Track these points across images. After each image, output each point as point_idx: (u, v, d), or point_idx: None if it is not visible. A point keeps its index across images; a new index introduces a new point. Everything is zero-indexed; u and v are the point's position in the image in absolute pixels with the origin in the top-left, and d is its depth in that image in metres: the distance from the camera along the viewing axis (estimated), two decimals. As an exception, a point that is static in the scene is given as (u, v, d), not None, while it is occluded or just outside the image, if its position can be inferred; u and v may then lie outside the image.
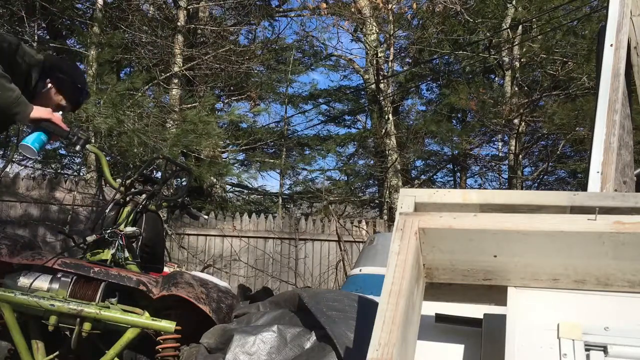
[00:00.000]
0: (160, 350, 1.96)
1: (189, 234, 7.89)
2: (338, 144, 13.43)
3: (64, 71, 2.55)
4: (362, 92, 13.78)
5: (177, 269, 2.97)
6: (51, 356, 2.01)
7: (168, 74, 8.70)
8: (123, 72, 9.92)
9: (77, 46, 8.83)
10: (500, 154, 13.21)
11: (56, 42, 8.40)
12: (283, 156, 12.12)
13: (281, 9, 12.54)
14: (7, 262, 1.97)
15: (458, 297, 1.32)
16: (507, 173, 11.64)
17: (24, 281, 1.96)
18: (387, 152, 11.16)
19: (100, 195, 7.21)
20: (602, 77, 2.21)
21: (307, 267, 8.09)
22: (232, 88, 10.91)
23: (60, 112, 2.43)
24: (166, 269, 2.70)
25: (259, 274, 7.95)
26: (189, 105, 8.52)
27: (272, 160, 12.09)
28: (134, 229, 2.22)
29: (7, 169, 7.53)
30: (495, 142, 13.34)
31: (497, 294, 1.26)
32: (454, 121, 13.46)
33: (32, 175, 8.48)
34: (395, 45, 12.18)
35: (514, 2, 10.29)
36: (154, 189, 2.37)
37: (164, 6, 9.71)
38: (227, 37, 10.08)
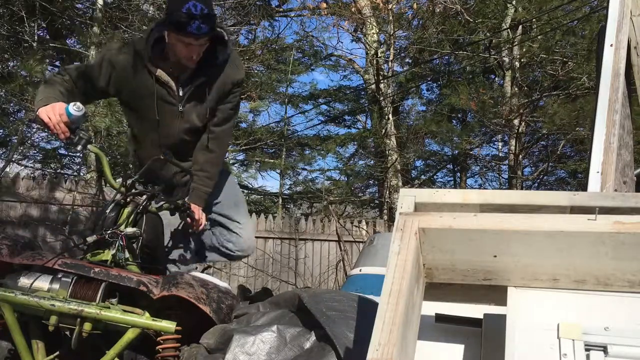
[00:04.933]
0: (160, 350, 1.96)
1: (189, 234, 7.88)
2: (338, 144, 13.43)
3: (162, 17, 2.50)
4: (362, 92, 13.78)
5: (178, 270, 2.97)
6: (51, 356, 2.01)
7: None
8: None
9: (77, 46, 8.83)
10: (500, 154, 13.21)
11: (56, 42, 8.40)
12: (283, 156, 12.12)
13: (281, 9, 12.53)
14: (8, 262, 1.97)
15: (458, 297, 1.32)
16: (507, 173, 11.64)
17: (24, 281, 1.96)
18: (387, 152, 11.16)
19: (100, 196, 7.21)
20: (602, 77, 2.22)
21: (307, 267, 8.09)
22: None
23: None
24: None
25: (259, 274, 7.95)
26: (188, 105, 8.48)
27: (272, 160, 12.08)
28: (135, 229, 2.22)
29: (7, 169, 7.54)
30: (495, 142, 13.35)
31: (497, 294, 1.27)
32: (454, 121, 13.45)
33: (32, 175, 8.48)
34: (395, 45, 12.18)
35: (514, 2, 10.30)
36: (155, 189, 2.37)
37: (164, 6, 9.70)
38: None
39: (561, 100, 9.83)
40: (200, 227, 2.61)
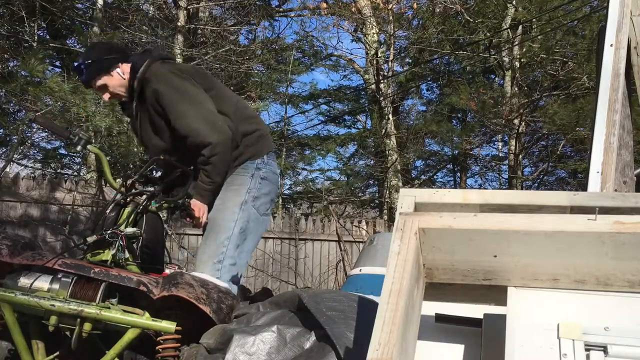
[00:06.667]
0: (160, 350, 1.96)
1: (189, 234, 7.89)
2: (338, 144, 13.44)
3: None
4: (362, 92, 13.78)
5: (178, 270, 2.97)
6: (51, 356, 2.01)
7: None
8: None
9: (77, 46, 8.83)
10: (500, 154, 13.22)
11: (56, 42, 8.40)
12: (283, 156, 12.12)
13: (281, 9, 12.54)
14: (8, 262, 1.97)
15: (458, 297, 1.32)
16: (507, 173, 11.64)
17: (24, 281, 1.96)
18: (387, 152, 11.16)
19: (100, 196, 7.21)
20: (602, 77, 2.22)
21: (307, 267, 8.09)
22: (232, 88, 10.89)
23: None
24: (167, 271, 2.70)
25: (259, 274, 7.95)
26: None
27: (272, 160, 12.04)
28: (135, 229, 2.22)
29: (7, 169, 7.54)
30: (495, 142, 13.36)
31: (497, 294, 1.26)
32: (454, 121, 13.46)
33: (32, 175, 8.48)
34: (395, 45, 12.18)
35: (514, 2, 10.29)
36: (155, 189, 2.37)
37: (164, 6, 9.71)
38: (227, 37, 10.07)
39: (561, 100, 9.83)
40: (201, 225, 2.61)
